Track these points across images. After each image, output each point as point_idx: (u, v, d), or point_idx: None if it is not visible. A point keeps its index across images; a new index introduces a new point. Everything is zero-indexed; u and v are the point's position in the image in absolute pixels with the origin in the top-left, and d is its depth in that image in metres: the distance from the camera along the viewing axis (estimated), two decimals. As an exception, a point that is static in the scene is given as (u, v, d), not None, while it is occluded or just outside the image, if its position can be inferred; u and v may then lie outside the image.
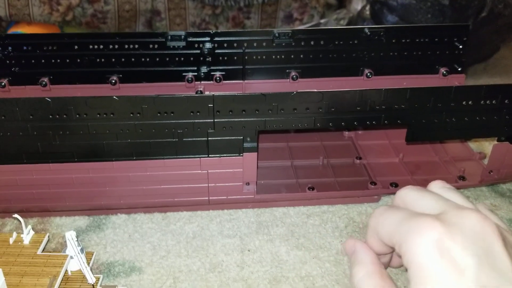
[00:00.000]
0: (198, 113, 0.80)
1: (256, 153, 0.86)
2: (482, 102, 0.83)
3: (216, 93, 0.80)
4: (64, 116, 0.78)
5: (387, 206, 0.63)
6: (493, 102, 0.83)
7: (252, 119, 0.82)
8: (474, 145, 1.10)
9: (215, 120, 0.81)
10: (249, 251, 0.84)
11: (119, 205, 0.90)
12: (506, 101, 0.83)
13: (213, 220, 0.90)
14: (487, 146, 1.11)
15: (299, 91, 0.81)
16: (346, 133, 1.15)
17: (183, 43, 1.05)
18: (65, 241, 0.75)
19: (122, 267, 0.80)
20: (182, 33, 1.05)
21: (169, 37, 1.04)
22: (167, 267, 0.80)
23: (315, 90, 0.82)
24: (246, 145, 0.85)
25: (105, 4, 1.66)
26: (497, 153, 0.90)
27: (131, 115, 0.79)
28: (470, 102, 0.83)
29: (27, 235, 0.77)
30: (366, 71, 1.11)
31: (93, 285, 0.71)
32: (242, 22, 1.82)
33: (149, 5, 1.71)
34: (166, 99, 0.79)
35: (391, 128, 1.03)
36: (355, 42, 1.09)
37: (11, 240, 0.77)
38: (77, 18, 1.66)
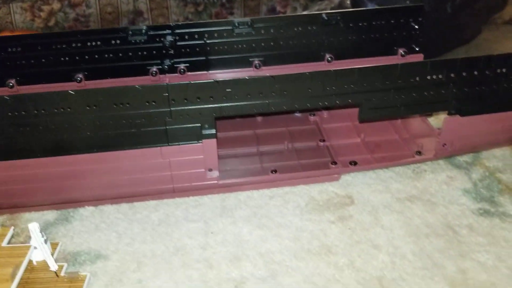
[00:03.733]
0: (154, 103, 0.83)
1: (215, 139, 0.89)
2: (428, 77, 0.86)
3: (170, 82, 0.82)
4: (23, 113, 0.81)
5: None
6: (439, 76, 0.86)
7: (207, 106, 0.85)
8: (435, 122, 1.13)
9: (172, 108, 0.84)
10: (212, 233, 0.86)
11: (86, 198, 0.93)
12: (452, 75, 0.86)
13: (179, 207, 0.93)
14: (448, 122, 1.14)
15: (250, 76, 0.83)
16: (312, 118, 1.18)
17: (144, 37, 1.07)
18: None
19: (88, 256, 0.82)
20: (143, 27, 1.07)
21: (130, 32, 1.07)
22: (132, 253, 0.83)
23: (267, 75, 0.85)
24: (204, 132, 0.88)
25: (87, 8, 1.68)
26: (449, 127, 0.93)
27: (88, 108, 0.82)
28: (417, 78, 0.86)
29: (-8, 230, 0.79)
30: (327, 56, 1.14)
31: (56, 272, 0.74)
32: (225, 18, 1.84)
33: (131, 6, 1.73)
34: (121, 90, 0.81)
35: (345, 108, 1.07)
36: (314, 28, 1.12)
37: (-23, 235, 0.79)
38: (60, 23, 1.68)
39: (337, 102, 0.88)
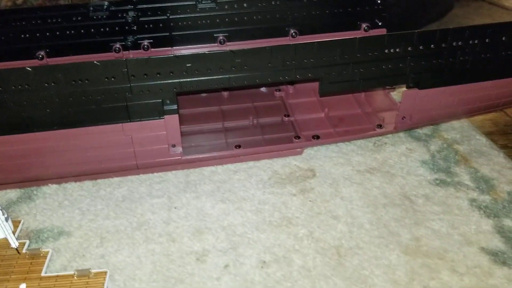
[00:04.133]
0: (113, 79, 0.83)
1: (177, 115, 0.89)
2: (386, 51, 0.88)
3: (129, 58, 0.82)
4: None
5: None
6: (397, 50, 0.88)
7: (168, 81, 0.85)
8: (399, 96, 1.15)
9: (131, 84, 0.84)
10: (175, 208, 0.88)
11: (49, 176, 0.92)
12: (409, 49, 0.88)
13: (143, 183, 0.94)
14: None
15: (210, 50, 0.84)
16: (277, 93, 1.19)
17: (106, 13, 1.06)
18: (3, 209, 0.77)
19: (51, 233, 0.83)
20: (105, 3, 1.06)
21: (91, 8, 1.05)
22: (95, 229, 0.83)
23: (227, 49, 0.85)
24: (166, 107, 0.88)
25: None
26: (407, 100, 0.95)
27: (46, 85, 0.81)
28: (375, 52, 0.88)
29: (-48, 209, 0.79)
30: (291, 31, 1.14)
31: (17, 249, 0.74)
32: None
33: (104, -22, 1.69)
34: (79, 66, 0.81)
35: (307, 82, 1.08)
36: (278, 3, 1.11)
37: None
38: (29, 1, 1.64)
39: (298, 76, 0.89)
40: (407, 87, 0.94)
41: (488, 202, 0.87)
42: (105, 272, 0.71)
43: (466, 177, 0.93)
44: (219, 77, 0.86)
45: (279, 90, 1.19)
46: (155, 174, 0.96)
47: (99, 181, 0.94)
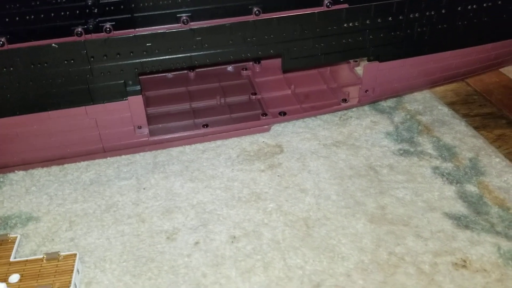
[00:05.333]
0: (72, 61, 0.82)
1: (141, 95, 0.89)
2: (345, 25, 0.89)
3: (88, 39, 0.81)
4: None
5: None
6: (356, 24, 0.89)
7: (128, 62, 0.84)
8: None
9: (92, 66, 0.83)
10: (144, 189, 0.88)
11: (15, 162, 0.91)
12: (367, 22, 0.89)
13: (110, 166, 0.93)
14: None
15: (169, 29, 0.83)
16: (244, 72, 1.19)
17: None
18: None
19: (19, 219, 0.82)
20: None
21: (50, -9, 1.03)
22: (64, 213, 0.83)
23: (187, 28, 0.85)
24: (129, 88, 0.87)
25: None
26: (369, 73, 0.97)
27: (5, 69, 0.80)
28: (334, 27, 0.88)
29: None
30: (255, 9, 1.13)
31: (-17, 236, 0.74)
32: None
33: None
34: (37, 50, 0.79)
35: (269, 59, 1.08)
36: (240, -19, 1.11)
37: None
38: None
39: (259, 53, 0.89)
40: (368, 60, 0.96)
41: (451, 169, 0.90)
42: (75, 254, 0.72)
43: (429, 146, 0.95)
44: (181, 55, 0.86)
45: (246, 69, 1.19)
46: (123, 156, 0.96)
47: (66, 166, 0.94)
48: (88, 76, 0.83)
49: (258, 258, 0.74)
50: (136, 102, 0.89)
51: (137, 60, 0.84)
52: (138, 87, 0.87)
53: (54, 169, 0.93)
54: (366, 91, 0.99)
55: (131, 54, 0.83)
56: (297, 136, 0.99)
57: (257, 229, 0.79)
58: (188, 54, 0.86)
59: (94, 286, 0.71)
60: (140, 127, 0.93)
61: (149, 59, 0.84)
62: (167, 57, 0.85)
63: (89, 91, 0.85)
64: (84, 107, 0.87)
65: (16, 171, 0.92)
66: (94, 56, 0.81)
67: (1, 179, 0.91)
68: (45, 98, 0.84)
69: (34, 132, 0.87)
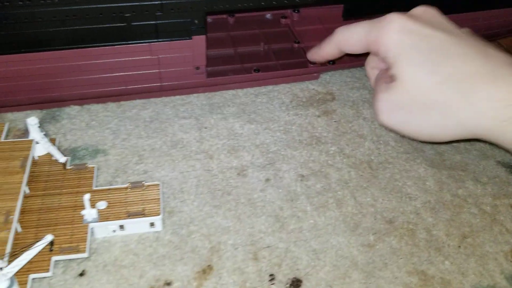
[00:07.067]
0: (145, -5, 0.81)
1: (205, 36, 0.89)
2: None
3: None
4: (6, 3, 0.76)
5: (347, 25, 0.73)
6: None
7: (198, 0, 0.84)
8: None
9: (163, 1, 0.82)
10: (205, 128, 0.89)
11: (72, 96, 0.91)
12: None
13: (167, 105, 0.94)
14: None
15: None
16: (283, 20, 1.19)
17: None
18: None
19: (86, 151, 0.83)
20: None
21: None
22: (130, 147, 0.84)
23: None
24: (194, 28, 0.87)
25: None
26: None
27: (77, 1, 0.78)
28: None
29: (-14, 126, 0.77)
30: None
31: (64, 164, 0.74)
32: None
33: None
34: (113, -20, 0.78)
35: (327, 5, 1.09)
36: None
37: (-31, 132, 0.76)
38: None
39: (325, -1, 0.90)
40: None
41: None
42: (158, 184, 0.73)
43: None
44: (250, -4, 0.86)
45: (285, 17, 1.19)
46: (177, 96, 0.96)
47: (122, 102, 0.94)
48: (157, 11, 0.83)
49: (330, 195, 0.77)
50: (199, 42, 0.89)
51: (207, -2, 0.84)
52: (204, 27, 0.87)
53: (111, 105, 0.93)
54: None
55: (203, -9, 0.83)
56: (346, 85, 1.02)
57: (323, 170, 0.82)
58: (257, -6, 0.86)
59: (176, 214, 0.73)
60: (198, 68, 0.93)
61: (219, -2, 0.84)
62: (237, -4, 0.85)
63: (156, 27, 0.84)
64: (149, 43, 0.86)
65: (71, 106, 0.92)
66: (167, -9, 0.81)
67: (57, 113, 0.90)
68: (112, 32, 0.83)
69: (96, 66, 0.87)
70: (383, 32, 0.67)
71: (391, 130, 0.75)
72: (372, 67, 0.77)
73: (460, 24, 0.99)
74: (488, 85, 0.62)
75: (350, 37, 0.74)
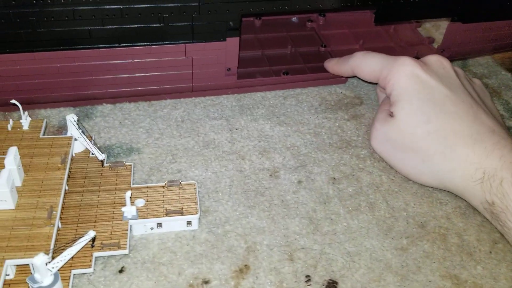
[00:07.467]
0: (184, -3, 0.82)
1: (239, 37, 0.90)
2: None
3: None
4: (48, 1, 0.77)
5: (364, 52, 0.85)
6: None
7: (236, 1, 0.85)
8: (423, 32, 1.20)
9: (200, 3, 0.83)
10: (236, 129, 0.90)
11: (104, 95, 0.92)
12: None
13: (198, 106, 0.95)
14: (434, 32, 1.21)
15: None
16: (309, 24, 1.20)
17: None
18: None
19: (121, 149, 0.84)
20: None
21: None
22: (164, 146, 0.85)
23: None
24: (229, 29, 0.88)
25: None
26: (450, 33, 1.00)
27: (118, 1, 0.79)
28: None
29: (25, 121, 0.78)
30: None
31: (102, 161, 0.75)
32: None
33: None
34: (152, -18, 0.79)
35: (358, 10, 1.10)
36: None
37: (9, 127, 0.77)
38: None
39: (359, 4, 0.91)
40: (452, 20, 0.99)
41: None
42: (194, 184, 0.74)
43: (500, 108, 1.00)
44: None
45: (311, 21, 1.20)
46: (207, 97, 0.97)
47: (153, 102, 0.95)
48: (194, 13, 0.84)
49: (362, 199, 0.78)
50: (233, 43, 0.90)
51: (243, 1, 0.85)
52: (238, 29, 0.88)
53: (142, 104, 0.94)
54: (442, 50, 1.03)
55: (240, -6, 0.84)
56: (373, 90, 1.02)
57: (354, 173, 0.83)
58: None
59: (212, 213, 0.74)
60: (229, 69, 0.95)
61: (254, 1, 0.85)
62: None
63: (192, 28, 0.86)
64: (184, 44, 0.87)
65: (104, 104, 0.93)
66: (205, -7, 0.82)
67: (91, 111, 0.92)
68: (149, 32, 0.84)
69: (131, 65, 0.88)
70: (394, 72, 0.78)
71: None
72: (381, 90, 0.89)
73: (489, 31, 1.01)
74: (467, 148, 0.72)
75: (365, 67, 0.85)
